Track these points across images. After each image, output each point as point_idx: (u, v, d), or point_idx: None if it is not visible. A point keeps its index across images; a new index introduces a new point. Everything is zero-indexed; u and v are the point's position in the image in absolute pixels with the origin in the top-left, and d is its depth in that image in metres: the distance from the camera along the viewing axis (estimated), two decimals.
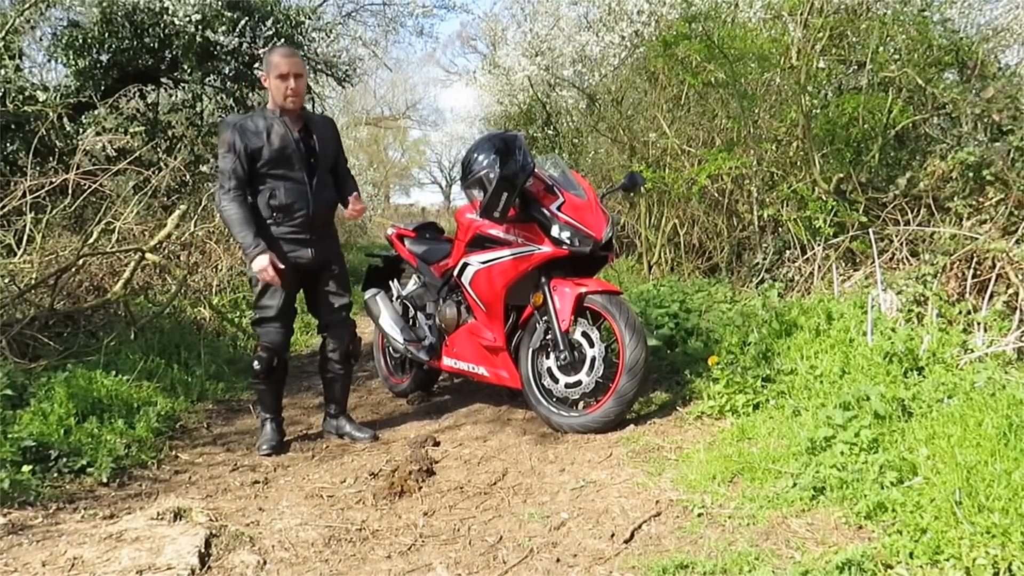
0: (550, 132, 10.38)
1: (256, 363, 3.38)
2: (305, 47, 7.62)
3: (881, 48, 4.74)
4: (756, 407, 3.29)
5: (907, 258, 4.15)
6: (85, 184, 4.68)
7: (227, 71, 7.72)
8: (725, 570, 2.01)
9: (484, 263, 3.54)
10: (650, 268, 6.94)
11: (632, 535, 2.30)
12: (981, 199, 3.89)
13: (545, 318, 3.41)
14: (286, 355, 3.46)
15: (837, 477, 2.37)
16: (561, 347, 3.33)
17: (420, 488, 2.81)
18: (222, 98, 7.95)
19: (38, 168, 5.06)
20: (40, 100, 5.92)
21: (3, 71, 5.68)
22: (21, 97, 5.91)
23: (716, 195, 6.20)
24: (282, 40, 7.07)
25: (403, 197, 35.87)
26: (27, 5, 5.87)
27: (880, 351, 3.17)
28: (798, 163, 5.21)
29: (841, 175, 4.68)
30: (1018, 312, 3.38)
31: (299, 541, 2.36)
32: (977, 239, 3.69)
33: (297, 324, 3.80)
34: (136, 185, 6.13)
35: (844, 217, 4.51)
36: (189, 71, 6.97)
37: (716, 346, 3.84)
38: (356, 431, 3.55)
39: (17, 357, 3.77)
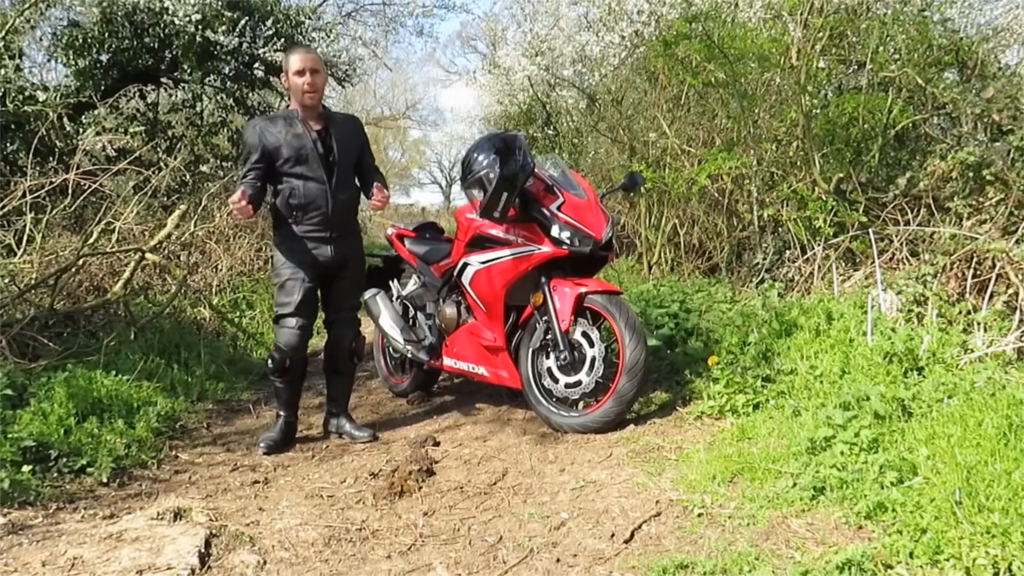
0: (550, 132, 10.39)
1: (269, 362, 3.40)
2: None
3: (881, 48, 4.74)
4: (756, 407, 3.29)
5: (907, 258, 4.15)
6: (85, 184, 4.67)
7: (227, 71, 7.72)
8: (725, 570, 2.01)
9: (484, 263, 3.54)
10: (650, 268, 6.94)
11: (632, 535, 2.30)
12: (981, 199, 3.89)
13: (545, 318, 3.41)
14: (303, 355, 3.45)
15: (837, 477, 2.37)
16: (561, 347, 3.33)
17: (420, 488, 2.81)
18: (222, 98, 7.95)
19: (38, 168, 5.05)
20: (40, 100, 5.91)
21: (3, 71, 5.68)
22: (21, 97, 5.91)
23: (716, 195, 6.20)
24: (282, 40, 7.07)
25: (403, 197, 35.95)
26: (27, 5, 5.87)
27: (880, 351, 3.17)
28: (798, 163, 5.21)
29: (841, 175, 4.68)
30: (1018, 312, 3.38)
31: (299, 541, 2.36)
32: (977, 239, 3.69)
33: None
34: (136, 185, 6.13)
35: (844, 217, 4.51)
36: (189, 71, 6.96)
37: (716, 346, 3.84)
38: (356, 431, 3.55)
39: (17, 357, 3.77)
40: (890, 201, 4.42)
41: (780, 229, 5.37)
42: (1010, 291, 3.51)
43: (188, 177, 6.89)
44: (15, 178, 5.12)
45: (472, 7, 25.01)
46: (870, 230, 4.26)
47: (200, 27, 6.48)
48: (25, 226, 4.63)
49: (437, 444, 3.39)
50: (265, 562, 2.22)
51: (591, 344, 3.34)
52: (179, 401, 3.99)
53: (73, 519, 2.54)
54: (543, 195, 3.44)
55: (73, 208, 5.08)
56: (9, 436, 2.90)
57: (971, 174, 3.88)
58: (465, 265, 3.64)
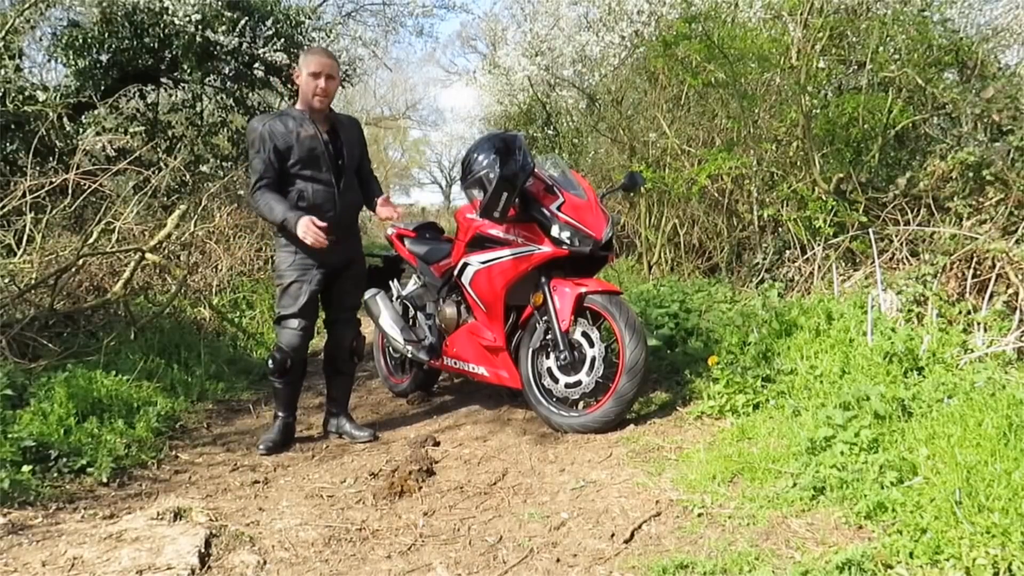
0: (550, 132, 10.38)
1: (269, 362, 3.41)
2: (305, 47, 7.62)
3: (881, 48, 4.74)
4: (756, 407, 3.29)
5: (907, 258, 4.16)
6: (85, 184, 4.67)
7: (227, 71, 7.71)
8: (725, 570, 2.01)
9: (484, 263, 3.54)
10: (650, 268, 6.94)
11: (632, 535, 2.30)
12: (981, 199, 3.89)
13: (545, 318, 3.41)
14: (303, 356, 3.45)
15: (837, 477, 2.37)
16: (561, 347, 3.33)
17: (420, 488, 2.81)
18: (222, 98, 7.95)
19: (38, 168, 5.05)
20: (40, 100, 5.92)
21: (3, 71, 5.68)
22: (21, 97, 5.91)
23: (716, 195, 6.20)
24: (282, 40, 7.07)
25: (403, 197, 35.96)
26: (27, 5, 5.87)
27: (880, 351, 3.17)
28: (798, 163, 5.21)
29: (841, 175, 4.68)
30: (1018, 312, 3.38)
31: (299, 541, 2.36)
32: (977, 239, 3.69)
33: None
34: (136, 185, 6.13)
35: (844, 217, 4.51)
36: (189, 71, 6.97)
37: (716, 346, 3.84)
38: (356, 431, 3.55)
39: (17, 357, 3.77)
40: (890, 201, 4.42)
41: (780, 229, 5.37)
42: (1010, 291, 3.51)
43: (188, 177, 6.89)
44: (15, 178, 5.11)
45: (472, 7, 25.00)
46: (870, 230, 4.26)
47: (200, 27, 6.49)
48: (25, 226, 4.63)
49: (437, 444, 3.39)
50: (265, 562, 2.22)
51: (591, 344, 3.34)
52: (179, 401, 3.99)
53: (73, 519, 2.54)
54: (543, 195, 3.44)
55: (73, 208, 5.08)
56: (9, 436, 2.90)
57: (971, 174, 3.88)
58: (465, 265, 3.64)
